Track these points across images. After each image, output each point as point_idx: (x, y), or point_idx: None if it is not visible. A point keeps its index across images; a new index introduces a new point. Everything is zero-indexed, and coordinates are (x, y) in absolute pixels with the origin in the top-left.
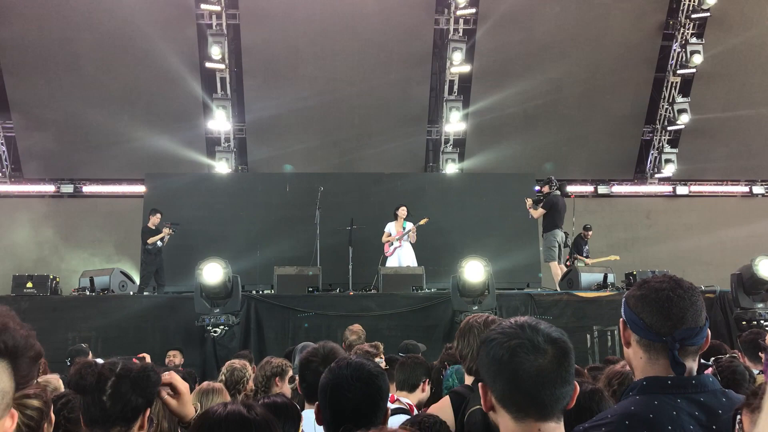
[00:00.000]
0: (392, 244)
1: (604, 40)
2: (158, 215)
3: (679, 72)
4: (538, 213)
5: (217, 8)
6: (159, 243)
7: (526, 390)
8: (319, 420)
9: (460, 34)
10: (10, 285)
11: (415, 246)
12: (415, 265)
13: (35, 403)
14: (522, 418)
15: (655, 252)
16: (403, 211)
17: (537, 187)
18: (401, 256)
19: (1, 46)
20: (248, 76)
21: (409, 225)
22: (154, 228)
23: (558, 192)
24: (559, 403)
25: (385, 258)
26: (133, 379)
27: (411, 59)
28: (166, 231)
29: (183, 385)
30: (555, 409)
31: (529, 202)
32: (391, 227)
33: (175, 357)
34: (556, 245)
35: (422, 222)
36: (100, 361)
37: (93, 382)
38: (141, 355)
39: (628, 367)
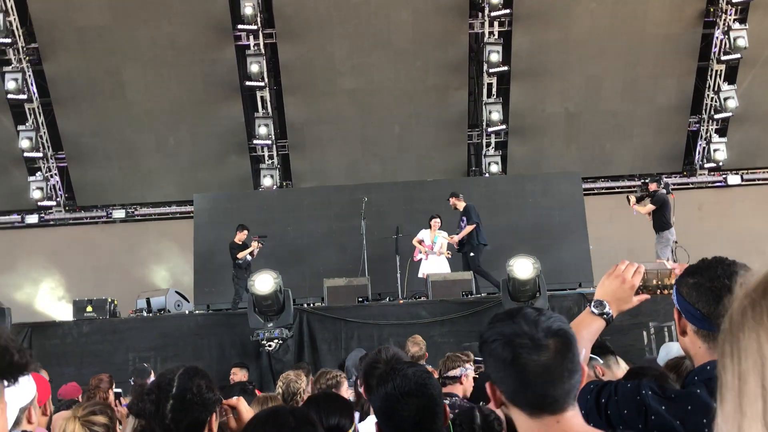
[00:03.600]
0: (420, 252)
1: (643, 33)
2: (245, 231)
3: (723, 59)
4: (646, 209)
5: (254, 27)
6: (248, 257)
7: (534, 389)
8: None
9: (496, 36)
10: (71, 310)
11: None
12: (449, 272)
13: (101, 419)
14: (537, 414)
15: (710, 244)
16: (436, 223)
17: (645, 180)
18: (432, 264)
19: (50, 81)
20: (288, 93)
21: (441, 237)
22: (241, 243)
23: (664, 190)
24: (571, 394)
25: (414, 263)
26: (190, 398)
27: (447, 65)
28: (255, 245)
29: (248, 413)
30: (567, 401)
31: (632, 199)
32: (424, 234)
33: (235, 374)
34: (671, 243)
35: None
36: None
37: (153, 410)
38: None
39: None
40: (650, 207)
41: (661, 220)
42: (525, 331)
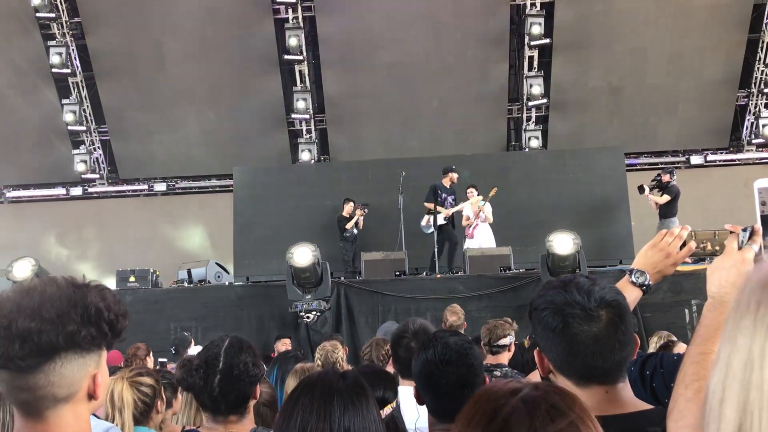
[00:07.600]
0: (469, 227)
1: (690, 3)
2: (351, 204)
3: None
4: (663, 200)
5: (293, 1)
6: (354, 230)
7: (583, 360)
8: (420, 401)
9: (537, 7)
10: (114, 280)
11: (501, 226)
12: (493, 245)
13: (149, 380)
14: (585, 384)
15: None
16: (471, 192)
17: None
18: (480, 236)
19: (93, 55)
20: (326, 66)
21: (486, 207)
22: (348, 216)
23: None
24: (621, 366)
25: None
26: (237, 374)
27: (488, 37)
28: (359, 213)
29: None
30: (618, 372)
31: (647, 189)
32: (467, 209)
33: (285, 344)
34: None
35: (492, 193)
36: (197, 348)
37: (201, 384)
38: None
39: None
40: (666, 198)
41: (669, 209)
42: (577, 300)
